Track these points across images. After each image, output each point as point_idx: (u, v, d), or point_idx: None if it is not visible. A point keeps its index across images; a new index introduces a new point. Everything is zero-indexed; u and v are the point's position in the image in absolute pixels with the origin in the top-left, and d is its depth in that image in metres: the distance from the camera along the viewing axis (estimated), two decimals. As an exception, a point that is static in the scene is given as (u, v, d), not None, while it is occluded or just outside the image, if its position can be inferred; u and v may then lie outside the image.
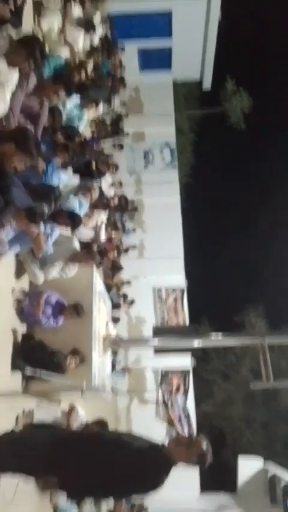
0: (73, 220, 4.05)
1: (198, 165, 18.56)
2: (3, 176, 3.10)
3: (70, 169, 5.66)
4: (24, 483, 4.65)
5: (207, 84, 16.30)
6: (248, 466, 10.73)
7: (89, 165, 7.09)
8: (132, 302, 12.80)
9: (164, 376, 12.54)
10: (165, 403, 12.00)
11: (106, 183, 9.43)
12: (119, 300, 11.77)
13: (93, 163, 7.10)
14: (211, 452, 2.72)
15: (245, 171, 20.41)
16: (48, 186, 4.01)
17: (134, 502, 8.26)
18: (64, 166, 5.15)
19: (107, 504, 6.57)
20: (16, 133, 2.89)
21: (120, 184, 11.53)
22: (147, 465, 2.54)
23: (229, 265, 18.30)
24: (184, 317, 13.57)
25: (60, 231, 4.37)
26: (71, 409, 5.61)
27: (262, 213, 19.44)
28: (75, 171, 5.92)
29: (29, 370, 2.98)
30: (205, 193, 18.82)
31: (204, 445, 2.63)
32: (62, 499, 6.11)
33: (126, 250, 12.57)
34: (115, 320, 9.76)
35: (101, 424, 4.23)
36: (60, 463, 2.48)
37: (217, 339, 5.76)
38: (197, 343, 5.83)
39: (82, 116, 6.78)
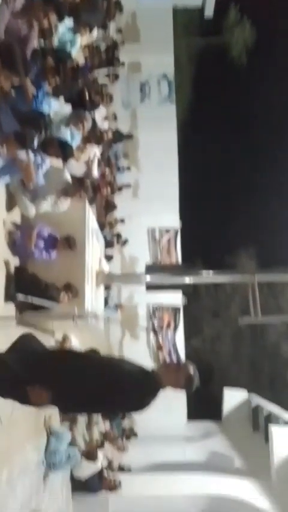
0: (64, 151, 3.89)
1: (197, 100, 17.80)
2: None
3: (62, 98, 5.39)
4: (19, 408, 4.91)
5: (209, 11, 15.22)
6: (233, 397, 11.35)
7: (82, 94, 6.74)
8: (125, 242, 12.83)
9: (155, 312, 12.90)
10: (155, 333, 12.45)
11: (100, 115, 9.02)
12: (112, 239, 11.78)
13: (86, 93, 6.76)
14: (198, 377, 2.81)
15: (245, 110, 19.59)
16: (37, 112, 3.81)
17: (124, 427, 8.77)
18: (55, 93, 4.88)
19: (98, 427, 6.95)
20: (0, 49, 2.68)
21: (115, 117, 11.08)
22: (136, 385, 2.63)
23: (223, 207, 18.16)
24: (177, 258, 13.68)
25: (51, 162, 4.24)
26: (65, 339, 5.77)
27: (261, 155, 19.02)
28: (67, 100, 5.62)
29: (20, 296, 2.99)
30: (203, 132, 18.19)
31: (192, 369, 2.72)
32: (56, 423, 6.48)
33: (120, 189, 12.37)
34: (108, 258, 9.83)
35: (93, 352, 4.34)
36: (53, 378, 2.56)
37: (208, 276, 5.83)
38: (188, 280, 5.90)
39: (75, 41, 6.35)
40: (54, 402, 2.60)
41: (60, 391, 2.58)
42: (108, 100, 8.77)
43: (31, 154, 3.47)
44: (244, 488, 6.92)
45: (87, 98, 6.72)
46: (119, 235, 12.33)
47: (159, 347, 12.10)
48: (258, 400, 10.54)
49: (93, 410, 2.92)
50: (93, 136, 7.15)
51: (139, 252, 12.84)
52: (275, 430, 7.40)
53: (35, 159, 3.60)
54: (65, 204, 4.66)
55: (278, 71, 19.13)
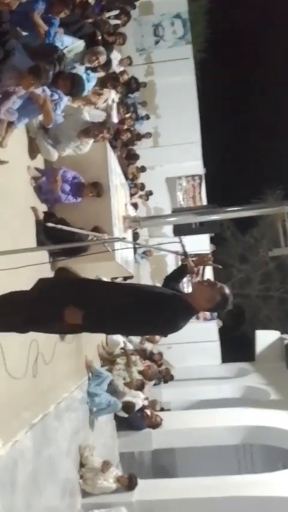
0: (73, 80, 3.74)
1: (214, 38, 16.81)
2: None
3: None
4: (61, 349, 5.14)
5: None
6: (265, 338, 11.49)
7: (94, 36, 6.54)
8: (150, 193, 12.74)
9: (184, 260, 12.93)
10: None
11: (115, 59, 8.76)
12: (136, 190, 11.71)
13: (98, 34, 6.54)
14: (232, 299, 2.83)
15: (270, 42, 18.16)
16: (50, 45, 3.72)
17: (161, 368, 9.05)
18: (67, 31, 4.74)
19: (136, 364, 7.21)
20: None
21: (130, 63, 10.68)
22: (169, 305, 2.68)
23: (249, 148, 17.48)
24: (202, 204, 13.52)
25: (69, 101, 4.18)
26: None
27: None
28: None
29: (49, 224, 3.05)
30: (223, 70, 17.25)
31: (227, 289, 2.74)
32: (96, 365, 6.76)
33: (140, 138, 12.13)
34: (134, 206, 9.81)
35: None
36: (89, 300, 2.64)
37: (235, 210, 5.77)
38: (217, 216, 5.86)
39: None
40: (88, 321, 2.65)
41: (96, 309, 2.65)
42: (121, 40, 8.45)
43: (47, 90, 3.43)
44: (281, 418, 7.13)
45: (99, 39, 6.53)
46: (143, 186, 12.23)
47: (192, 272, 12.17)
48: (290, 338, 10.67)
49: (127, 329, 3.01)
50: (110, 79, 6.98)
51: (164, 202, 12.76)
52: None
53: (52, 96, 3.55)
54: (87, 146, 4.64)
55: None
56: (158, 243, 11.88)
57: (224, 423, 7.28)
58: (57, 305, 2.55)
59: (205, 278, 3.02)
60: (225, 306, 2.73)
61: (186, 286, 4.52)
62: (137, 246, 5.12)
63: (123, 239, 3.34)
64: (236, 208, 5.82)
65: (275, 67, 18.21)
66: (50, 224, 3.04)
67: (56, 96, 3.65)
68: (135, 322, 2.65)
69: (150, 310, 2.62)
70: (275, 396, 8.66)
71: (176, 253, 3.18)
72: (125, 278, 8.04)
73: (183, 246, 3.30)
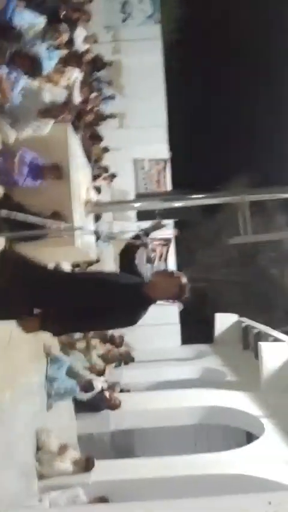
0: (32, 59, 3.60)
1: (184, 19, 16.56)
2: None
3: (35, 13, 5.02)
4: (19, 333, 5.08)
5: None
6: (224, 320, 11.82)
7: (57, 11, 6.30)
8: (114, 176, 12.58)
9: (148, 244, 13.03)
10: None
11: (79, 37, 8.50)
12: (100, 172, 11.54)
13: (63, 9, 6.31)
14: (190, 288, 2.88)
15: (239, 24, 17.99)
16: (7, 23, 3.55)
17: (122, 351, 9.14)
18: (28, 6, 4.54)
19: (97, 351, 7.26)
20: None
21: (95, 40, 10.38)
22: (128, 298, 2.69)
23: (217, 133, 17.51)
24: (167, 189, 13.53)
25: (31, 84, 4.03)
26: (57, 266, 5.84)
27: (254, 74, 17.95)
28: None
29: (2, 213, 2.96)
30: (193, 52, 17.06)
31: (184, 278, 2.78)
32: (55, 349, 6.75)
33: (105, 118, 11.91)
34: (97, 190, 9.68)
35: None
36: (46, 296, 2.61)
37: (198, 198, 5.81)
38: (180, 203, 5.87)
39: None
40: (46, 322, 2.63)
41: (57, 307, 2.63)
42: (87, 18, 8.20)
43: (4, 69, 3.29)
44: (237, 399, 7.39)
45: (63, 15, 6.30)
46: (106, 169, 12.07)
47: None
48: (248, 322, 11.00)
49: (85, 325, 3.00)
50: (73, 57, 6.78)
51: (128, 185, 12.67)
52: (264, 346, 7.79)
53: (9, 75, 3.41)
54: (47, 126, 4.50)
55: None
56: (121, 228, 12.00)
57: (181, 404, 7.48)
58: (15, 304, 2.51)
59: (165, 269, 3.07)
60: (182, 294, 2.78)
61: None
62: (93, 234, 5.06)
63: (79, 228, 3.29)
64: (198, 196, 5.85)
65: (246, 51, 18.17)
66: (3, 212, 2.94)
67: (13, 76, 3.50)
68: (96, 320, 2.66)
69: (110, 305, 2.62)
70: (230, 377, 8.96)
71: (137, 239, 3.18)
72: (90, 263, 7.99)
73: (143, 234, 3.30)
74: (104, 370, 7.70)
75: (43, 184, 4.85)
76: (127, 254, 3.11)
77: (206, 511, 2.26)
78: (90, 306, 2.61)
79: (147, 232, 3.29)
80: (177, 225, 13.65)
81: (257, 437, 6.37)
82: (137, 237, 3.20)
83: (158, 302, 2.88)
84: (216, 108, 17.60)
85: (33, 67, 3.64)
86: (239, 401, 7.34)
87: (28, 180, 4.56)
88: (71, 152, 4.99)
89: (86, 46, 9.09)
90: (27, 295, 2.60)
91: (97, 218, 9.23)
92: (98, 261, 7.54)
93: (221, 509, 2.22)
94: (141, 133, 13.01)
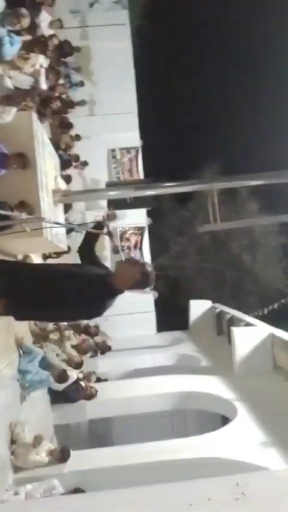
0: None
1: (151, 3, 16.34)
2: None
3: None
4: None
5: None
6: (198, 307, 11.95)
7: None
8: (85, 163, 12.43)
9: (122, 234, 13.01)
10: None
11: (44, 22, 8.28)
12: (70, 160, 11.37)
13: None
14: (154, 275, 2.87)
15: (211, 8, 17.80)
16: None
17: (97, 340, 9.14)
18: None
19: (70, 339, 7.22)
20: None
21: (61, 25, 10.15)
22: (93, 291, 2.67)
23: (187, 119, 17.45)
24: (139, 177, 13.46)
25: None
26: (26, 257, 5.75)
27: (226, 59, 17.87)
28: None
29: None
30: (161, 37, 16.87)
31: (148, 267, 2.77)
32: (28, 341, 6.67)
33: (73, 106, 11.73)
34: (67, 179, 9.54)
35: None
36: (12, 284, 2.57)
37: (168, 186, 5.80)
38: (151, 192, 5.85)
39: None
40: (11, 308, 2.61)
41: (19, 295, 2.59)
42: (50, 2, 8.00)
43: None
44: (211, 384, 7.50)
45: (26, -2, 6.12)
46: (77, 157, 11.92)
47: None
48: (221, 308, 11.15)
49: (52, 315, 2.97)
50: (38, 43, 6.60)
51: (100, 174, 12.52)
52: (236, 331, 7.91)
53: None
54: (9, 114, 4.38)
55: None
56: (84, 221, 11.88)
57: (157, 391, 7.54)
58: None
59: (128, 258, 3.06)
60: (147, 282, 2.77)
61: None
62: (58, 225, 5.00)
63: (42, 219, 3.23)
64: (168, 184, 5.85)
65: (216, 35, 18.04)
66: None
67: None
68: (61, 309, 2.63)
69: (75, 296, 2.59)
70: (205, 363, 9.08)
71: (101, 232, 3.13)
72: (59, 253, 7.89)
73: (106, 224, 3.26)
74: (82, 363, 7.67)
75: (8, 174, 4.74)
76: (87, 245, 3.08)
77: (171, 496, 2.28)
78: (54, 297, 2.57)
79: (102, 223, 3.26)
80: (149, 214, 13.65)
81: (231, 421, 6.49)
82: (97, 226, 3.16)
83: (130, 291, 2.87)
84: (186, 92, 17.52)
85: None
86: (213, 385, 7.45)
87: (-8, 169, 4.44)
88: (37, 140, 4.88)
89: (51, 31, 8.88)
90: None
91: (67, 209, 9.13)
92: (69, 250, 7.45)
93: (187, 494, 2.25)
94: (111, 120, 12.85)
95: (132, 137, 13.34)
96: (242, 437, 5.79)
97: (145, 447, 6.16)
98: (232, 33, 17.80)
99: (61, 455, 5.43)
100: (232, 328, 8.19)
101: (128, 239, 13.35)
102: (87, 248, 3.05)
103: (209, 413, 8.33)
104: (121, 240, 13.10)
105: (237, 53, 18.13)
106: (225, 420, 7.48)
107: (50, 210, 5.50)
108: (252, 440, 5.61)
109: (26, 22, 4.60)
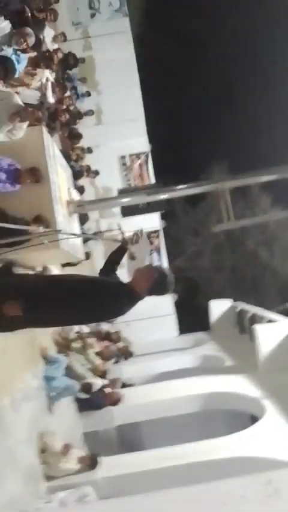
0: (4, 64, 3.60)
1: (151, 9, 16.44)
2: None
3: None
4: (11, 339, 5.09)
5: None
6: (219, 307, 11.91)
7: (22, 13, 6.24)
8: (96, 173, 12.55)
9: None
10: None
11: (48, 37, 8.43)
12: (81, 170, 11.50)
13: (27, 11, 6.24)
14: (173, 278, 2.89)
15: (210, 12, 17.83)
16: None
17: (119, 346, 9.20)
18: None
19: (93, 346, 7.29)
20: None
21: (65, 39, 10.31)
22: (112, 294, 2.73)
23: (193, 120, 17.45)
24: (150, 182, 13.53)
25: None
26: (45, 269, 5.84)
27: (230, 60, 17.85)
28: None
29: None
30: (163, 42, 16.94)
31: (166, 271, 2.81)
32: (52, 351, 6.76)
33: (81, 116, 11.87)
34: (80, 189, 9.66)
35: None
36: (27, 292, 2.63)
37: (180, 189, 5.83)
38: (163, 196, 5.89)
39: None
40: (29, 313, 2.65)
41: (40, 302, 2.65)
42: (52, 17, 8.13)
43: None
44: (236, 383, 7.48)
45: (28, 16, 6.24)
46: (88, 167, 12.04)
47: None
48: (242, 306, 11.09)
49: (71, 320, 3.03)
50: (43, 58, 6.74)
51: (111, 182, 12.63)
52: (259, 328, 7.87)
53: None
54: (21, 130, 4.48)
55: None
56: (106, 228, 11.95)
57: (183, 393, 7.54)
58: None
59: (147, 265, 3.09)
60: (165, 284, 2.79)
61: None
62: (74, 236, 5.07)
63: (59, 231, 3.30)
64: (180, 187, 5.88)
65: (218, 37, 18.07)
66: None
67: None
68: (79, 312, 2.68)
69: (93, 299, 2.64)
70: (229, 362, 9.05)
71: (116, 240, 3.18)
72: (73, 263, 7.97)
73: (121, 230, 3.31)
74: (106, 371, 7.72)
75: (23, 189, 4.84)
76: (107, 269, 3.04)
77: (205, 495, 2.30)
78: (76, 301, 2.62)
79: (124, 244, 3.26)
80: (163, 217, 13.69)
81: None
82: (120, 249, 3.14)
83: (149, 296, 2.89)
84: (191, 96, 17.55)
85: (5, 71, 3.61)
86: (239, 384, 7.42)
87: (7, 185, 4.54)
88: (48, 154, 4.97)
89: (55, 45, 9.04)
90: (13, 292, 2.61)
91: (84, 219, 9.24)
92: (87, 258, 7.55)
93: (221, 493, 2.26)
94: (120, 127, 12.97)
95: (141, 142, 13.44)
96: (272, 434, 5.76)
97: (175, 450, 6.17)
98: (235, 35, 17.81)
99: (91, 462, 5.48)
100: (254, 325, 8.15)
101: (151, 242, 13.42)
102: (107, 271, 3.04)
103: (239, 413, 8.28)
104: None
105: (241, 54, 18.10)
106: (254, 418, 7.44)
107: (66, 221, 5.58)
108: (282, 437, 5.57)
109: (31, 41, 4.71)
